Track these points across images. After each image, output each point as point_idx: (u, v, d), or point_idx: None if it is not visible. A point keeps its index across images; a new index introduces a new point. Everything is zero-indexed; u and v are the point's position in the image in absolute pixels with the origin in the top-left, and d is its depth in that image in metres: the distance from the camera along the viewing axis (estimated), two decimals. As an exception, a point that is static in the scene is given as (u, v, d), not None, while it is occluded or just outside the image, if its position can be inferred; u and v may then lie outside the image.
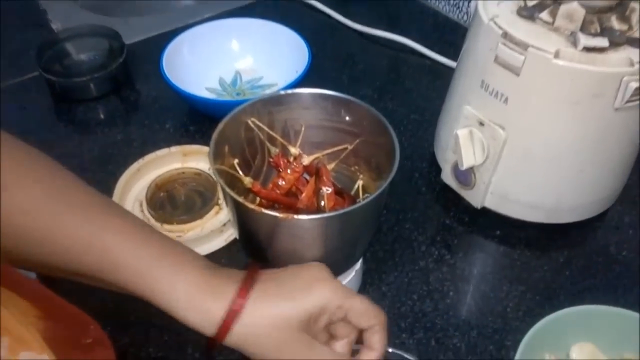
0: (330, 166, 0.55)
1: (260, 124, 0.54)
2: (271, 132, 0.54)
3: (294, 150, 0.55)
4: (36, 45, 0.84)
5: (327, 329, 0.43)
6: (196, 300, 0.40)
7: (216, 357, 0.53)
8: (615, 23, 0.55)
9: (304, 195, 0.52)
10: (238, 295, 0.40)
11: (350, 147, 0.55)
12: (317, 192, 0.51)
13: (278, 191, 0.53)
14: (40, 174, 0.42)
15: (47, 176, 0.42)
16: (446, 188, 0.68)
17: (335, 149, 0.56)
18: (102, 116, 0.81)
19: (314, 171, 0.54)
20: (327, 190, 0.51)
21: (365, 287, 0.60)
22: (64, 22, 0.97)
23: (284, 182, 0.53)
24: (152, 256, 0.40)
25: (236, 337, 0.40)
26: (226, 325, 0.39)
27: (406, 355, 0.48)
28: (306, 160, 0.54)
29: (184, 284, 0.40)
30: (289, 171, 0.53)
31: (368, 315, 0.43)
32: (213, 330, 0.40)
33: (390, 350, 0.48)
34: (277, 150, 0.55)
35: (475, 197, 0.64)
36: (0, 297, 0.42)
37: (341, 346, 0.44)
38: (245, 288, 0.40)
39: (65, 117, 0.81)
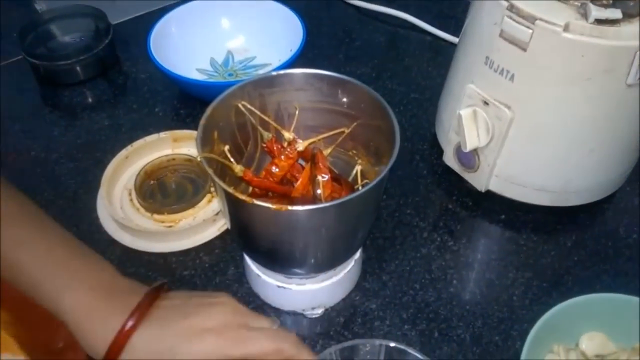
0: (327, 151, 0.53)
1: (252, 108, 0.50)
2: (263, 116, 0.51)
3: (288, 134, 0.52)
4: (19, 27, 0.80)
5: None
6: (87, 323, 0.40)
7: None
8: (628, -7, 0.51)
9: (299, 183, 0.49)
10: (128, 319, 0.39)
11: (347, 131, 0.52)
12: (313, 180, 0.49)
13: (271, 179, 0.50)
14: None
15: None
16: (449, 171, 0.65)
17: (332, 132, 0.53)
18: (89, 100, 0.78)
19: (310, 157, 0.51)
20: (323, 177, 0.48)
21: (366, 276, 0.58)
22: (48, 2, 0.93)
23: (277, 169, 0.50)
24: (54, 269, 0.41)
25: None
26: (113, 353, 0.39)
27: (409, 350, 0.46)
28: (301, 145, 0.51)
29: (81, 301, 0.40)
30: (282, 157, 0.50)
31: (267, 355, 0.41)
32: (102, 355, 0.39)
33: (392, 344, 0.46)
34: (270, 135, 0.52)
35: (479, 180, 0.61)
36: None
37: None
38: (139, 313, 0.39)
39: (51, 101, 0.78)
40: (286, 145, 0.52)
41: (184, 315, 0.40)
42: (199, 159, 0.44)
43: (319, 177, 0.48)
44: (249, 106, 0.50)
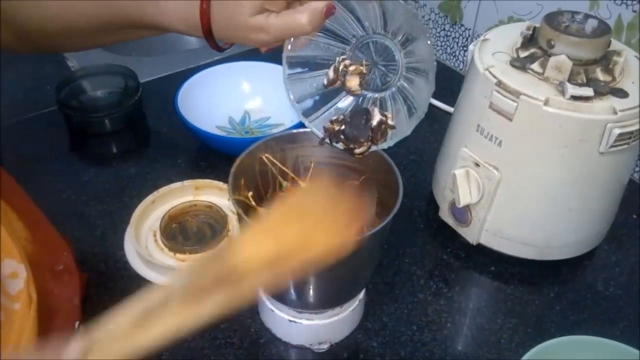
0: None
1: (274, 160, 0.57)
2: (283, 167, 0.58)
3: (303, 184, 0.58)
4: (52, 81, 0.88)
5: None
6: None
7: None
8: (600, 74, 0.59)
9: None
10: None
11: (356, 184, 0.59)
12: None
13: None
14: None
15: None
16: (444, 225, 0.71)
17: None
18: (116, 150, 0.85)
19: None
20: None
21: (368, 317, 0.63)
22: (79, 59, 1.02)
23: None
24: None
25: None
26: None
27: None
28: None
29: None
30: None
31: None
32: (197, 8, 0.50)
33: None
34: (288, 184, 0.59)
35: (471, 234, 0.68)
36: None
37: None
38: None
39: (81, 150, 0.85)
40: None
41: None
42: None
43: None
44: (271, 158, 0.57)
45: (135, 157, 0.83)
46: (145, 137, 0.87)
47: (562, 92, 0.57)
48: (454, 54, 1.03)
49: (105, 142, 0.85)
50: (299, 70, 0.53)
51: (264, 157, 0.57)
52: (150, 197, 0.71)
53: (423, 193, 0.78)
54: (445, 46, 1.03)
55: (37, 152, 0.83)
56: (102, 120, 0.85)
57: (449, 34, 1.02)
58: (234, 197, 0.51)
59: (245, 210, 0.53)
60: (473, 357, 0.60)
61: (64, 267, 0.49)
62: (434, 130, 0.88)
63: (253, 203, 0.56)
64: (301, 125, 0.58)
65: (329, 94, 0.54)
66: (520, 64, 0.61)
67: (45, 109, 0.90)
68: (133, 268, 0.66)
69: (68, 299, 0.47)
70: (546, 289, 0.67)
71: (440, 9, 1.01)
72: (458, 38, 1.00)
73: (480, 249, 0.69)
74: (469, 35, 0.98)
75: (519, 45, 0.63)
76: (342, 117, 0.54)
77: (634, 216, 0.76)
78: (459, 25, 0.99)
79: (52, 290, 0.47)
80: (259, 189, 0.58)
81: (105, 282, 0.65)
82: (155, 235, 0.69)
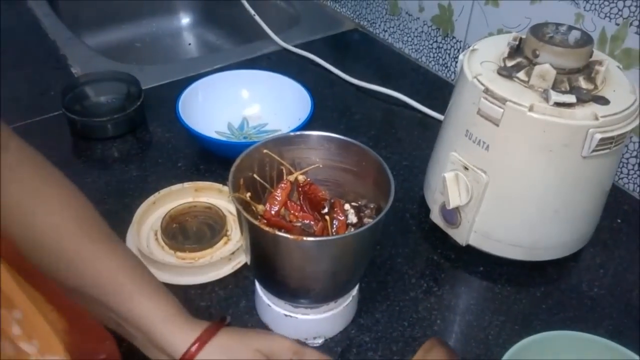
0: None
1: (273, 155, 0.60)
2: (282, 161, 0.60)
3: (301, 177, 0.60)
4: (57, 87, 0.91)
5: None
6: (168, 332, 0.48)
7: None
8: (582, 83, 0.62)
9: (318, 227, 0.58)
10: (206, 331, 0.49)
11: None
12: (331, 221, 0.58)
13: (272, 212, 0.58)
14: (65, 200, 0.52)
15: (71, 203, 0.52)
16: (434, 227, 0.74)
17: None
18: (119, 154, 0.87)
19: (329, 205, 0.60)
20: (340, 218, 0.58)
21: (361, 314, 0.66)
22: (82, 67, 1.04)
23: (278, 198, 0.58)
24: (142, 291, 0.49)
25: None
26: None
27: None
28: (292, 177, 0.59)
29: (161, 319, 0.49)
30: (278, 191, 0.58)
31: None
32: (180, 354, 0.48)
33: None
34: (287, 179, 0.60)
35: (461, 236, 0.71)
36: (37, 304, 0.47)
37: None
38: (215, 327, 0.50)
39: (84, 153, 0.87)
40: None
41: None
42: (230, 198, 0.53)
43: (336, 219, 0.57)
44: (271, 153, 0.59)
45: (137, 161, 0.85)
46: (146, 141, 0.90)
47: (546, 99, 0.60)
48: (445, 65, 1.06)
49: (108, 145, 0.88)
50: None
51: (264, 151, 0.59)
52: (151, 198, 0.74)
53: (415, 197, 0.81)
54: (437, 57, 1.07)
55: (42, 155, 0.85)
56: (105, 124, 0.88)
57: (440, 45, 1.05)
58: (234, 194, 0.54)
59: (244, 208, 0.56)
60: (462, 352, 0.63)
61: (107, 356, 0.50)
62: (425, 138, 0.91)
63: (251, 202, 0.58)
64: (298, 129, 0.61)
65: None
66: (506, 73, 0.64)
67: (49, 113, 0.93)
68: (135, 265, 0.68)
69: None
70: (533, 288, 0.70)
71: (433, 21, 1.05)
72: (450, 50, 1.04)
73: (469, 249, 0.71)
74: (460, 47, 1.02)
75: (505, 55, 0.66)
76: None
77: (619, 220, 0.79)
78: (451, 38, 1.03)
79: None
80: (257, 190, 0.61)
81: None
82: (156, 234, 0.71)
